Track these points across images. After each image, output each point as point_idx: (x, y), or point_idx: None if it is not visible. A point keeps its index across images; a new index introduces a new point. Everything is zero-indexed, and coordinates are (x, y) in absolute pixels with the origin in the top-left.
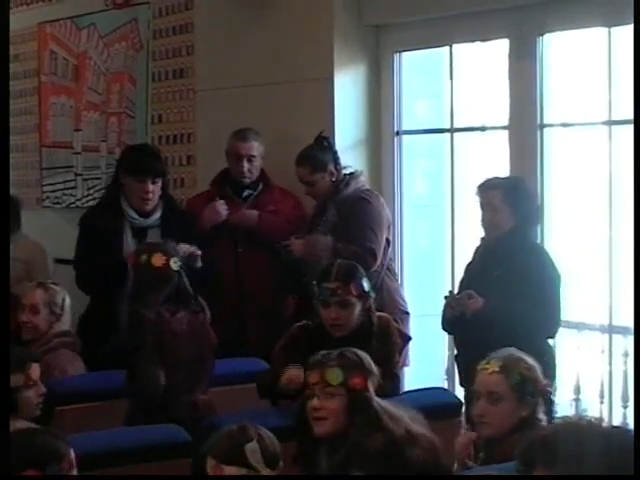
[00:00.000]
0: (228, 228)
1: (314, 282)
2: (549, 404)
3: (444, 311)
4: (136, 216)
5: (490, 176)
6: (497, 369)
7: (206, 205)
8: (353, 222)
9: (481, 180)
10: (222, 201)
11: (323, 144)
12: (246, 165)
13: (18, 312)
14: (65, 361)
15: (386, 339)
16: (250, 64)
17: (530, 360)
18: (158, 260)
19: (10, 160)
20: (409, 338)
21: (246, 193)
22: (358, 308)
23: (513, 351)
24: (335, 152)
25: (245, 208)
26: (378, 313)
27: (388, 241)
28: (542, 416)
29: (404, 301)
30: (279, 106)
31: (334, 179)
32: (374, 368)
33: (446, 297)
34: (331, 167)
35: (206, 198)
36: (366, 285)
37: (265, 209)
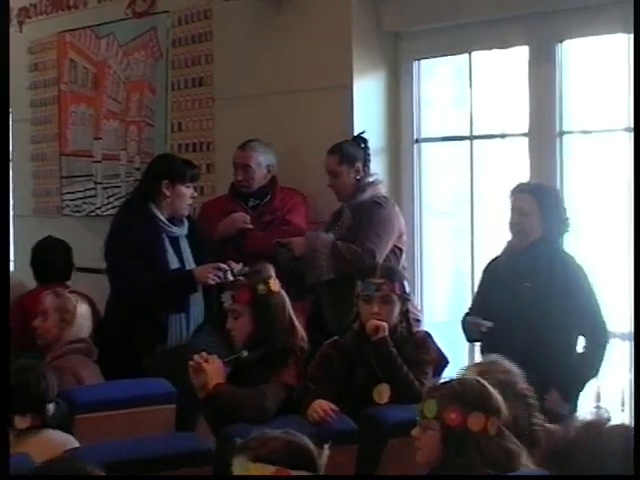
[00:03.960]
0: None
1: (358, 280)
2: (530, 408)
3: (463, 328)
4: (171, 225)
5: (523, 181)
6: (474, 375)
7: (220, 210)
8: (362, 224)
9: (511, 185)
10: (241, 213)
11: (359, 142)
12: (240, 174)
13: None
14: (77, 365)
15: (420, 350)
16: (269, 72)
17: (508, 365)
18: (275, 285)
19: (30, 169)
20: (447, 362)
21: (252, 202)
22: (398, 308)
23: (494, 357)
24: (368, 154)
25: (253, 217)
26: (416, 329)
27: (400, 250)
28: (537, 420)
29: (416, 309)
30: (298, 114)
31: (358, 177)
32: (496, 404)
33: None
34: (359, 165)
35: (220, 203)
36: (407, 287)
37: (271, 217)
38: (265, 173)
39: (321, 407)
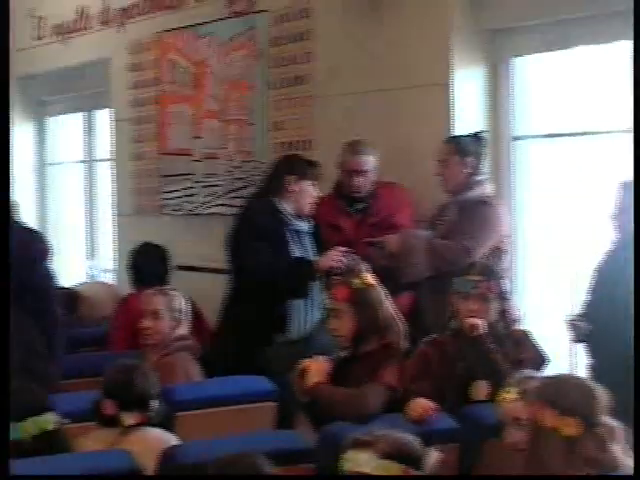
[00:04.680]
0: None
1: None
2: None
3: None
4: (297, 221)
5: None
6: (516, 396)
7: (325, 211)
8: (465, 222)
9: (614, 182)
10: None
11: (476, 139)
12: (359, 180)
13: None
14: (186, 362)
15: (518, 349)
16: (367, 70)
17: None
18: (370, 278)
19: (131, 168)
20: (544, 360)
21: (360, 206)
22: (495, 306)
23: (528, 374)
24: (482, 153)
25: (358, 220)
26: (515, 328)
27: (502, 250)
28: None
29: (515, 309)
30: (396, 112)
31: (468, 171)
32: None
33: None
34: (471, 160)
35: (326, 203)
36: (505, 286)
37: (377, 217)
38: (374, 174)
39: (420, 405)
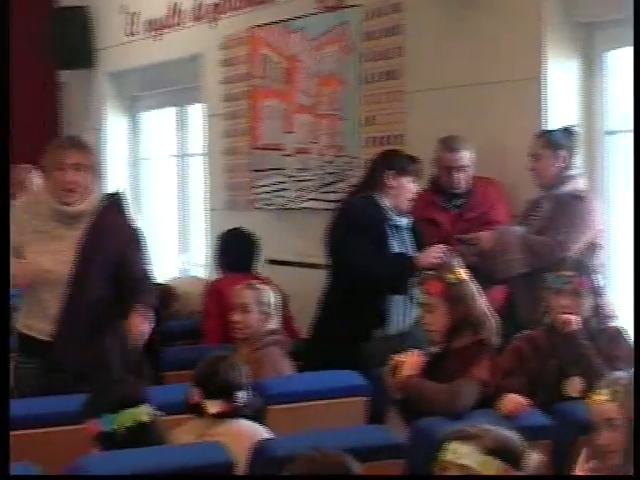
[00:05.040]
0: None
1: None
2: None
3: None
4: (397, 216)
5: None
6: (607, 397)
7: (423, 206)
8: (559, 217)
9: None
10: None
11: (568, 133)
12: (458, 176)
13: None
14: (275, 356)
15: (612, 346)
16: (459, 64)
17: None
18: (463, 273)
19: (223, 163)
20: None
21: (457, 202)
22: (589, 302)
23: (619, 375)
24: (575, 147)
25: (455, 215)
26: (609, 324)
27: (597, 246)
28: None
29: (610, 305)
30: (488, 106)
31: (561, 165)
32: None
33: None
34: (563, 154)
35: (423, 199)
36: (599, 282)
37: (475, 213)
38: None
39: (512, 401)
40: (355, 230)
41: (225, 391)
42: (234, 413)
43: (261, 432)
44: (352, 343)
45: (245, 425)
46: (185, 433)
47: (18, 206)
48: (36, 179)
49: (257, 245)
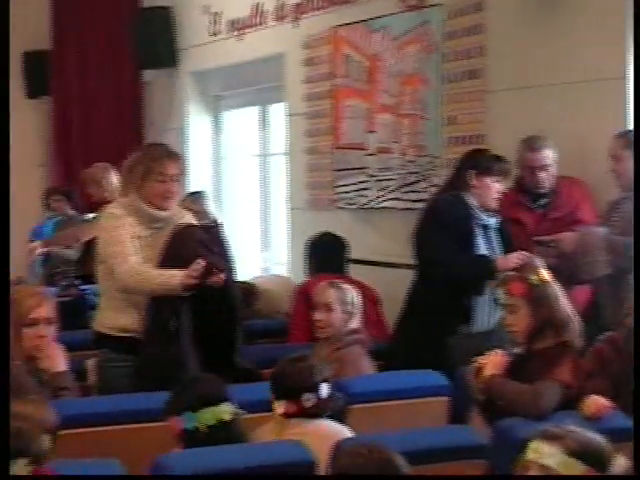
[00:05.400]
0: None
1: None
2: None
3: None
4: (485, 215)
5: None
6: None
7: (508, 206)
8: None
9: None
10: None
11: None
12: (542, 175)
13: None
14: (357, 356)
15: None
16: (541, 64)
17: None
18: (546, 274)
19: (305, 162)
20: None
21: (542, 201)
22: None
23: None
24: None
25: (540, 215)
26: None
27: None
28: None
29: None
30: (571, 106)
31: None
32: None
33: None
34: None
35: (508, 198)
36: None
37: (560, 212)
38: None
39: (595, 403)
40: (441, 228)
41: (291, 393)
42: (305, 413)
43: (343, 432)
44: (437, 340)
45: (326, 425)
46: (266, 432)
47: (120, 212)
48: (114, 178)
49: (347, 248)
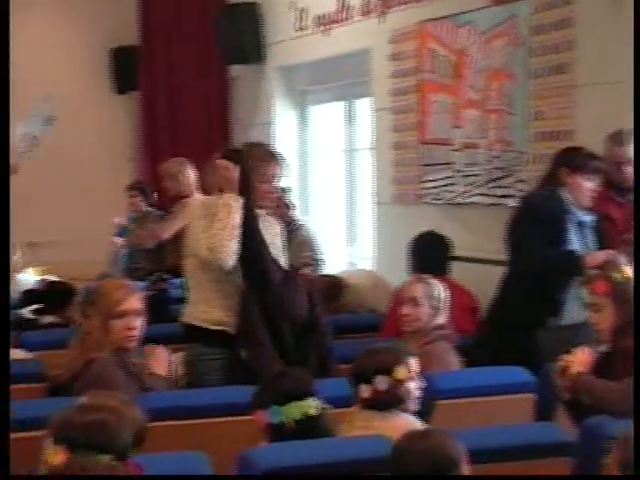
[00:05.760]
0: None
1: None
2: None
3: None
4: (580, 212)
5: None
6: None
7: (596, 199)
8: None
9: None
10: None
11: None
12: (629, 170)
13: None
14: (444, 351)
15: None
16: (630, 58)
17: None
18: (630, 272)
19: (392, 157)
20: None
21: (631, 196)
22: None
23: None
24: None
25: (630, 210)
26: None
27: None
28: None
29: None
30: None
31: None
32: None
33: None
34: None
35: (597, 195)
36: None
37: None
38: None
39: None
40: (534, 223)
41: (364, 376)
42: (382, 402)
43: (419, 426)
44: (526, 332)
45: (408, 420)
46: (351, 427)
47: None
48: (191, 173)
49: (449, 247)
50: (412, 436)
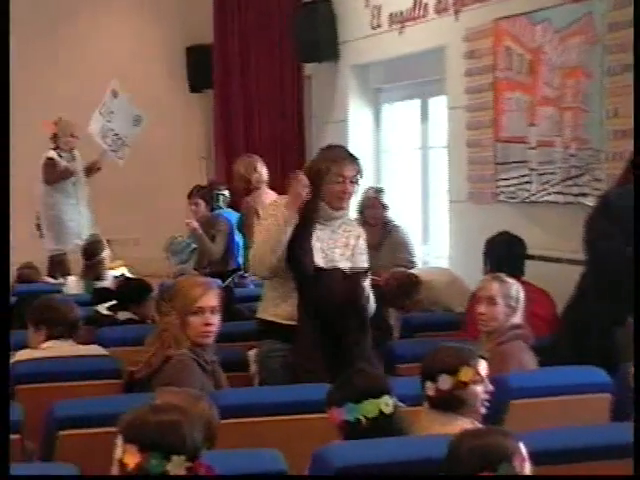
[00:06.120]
0: None
1: None
2: None
3: None
4: None
5: None
6: None
7: None
8: None
9: None
10: None
11: None
12: None
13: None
14: (520, 351)
15: None
16: None
17: None
18: None
19: (466, 155)
20: None
21: None
22: None
23: None
24: None
25: None
26: None
27: None
28: None
29: None
30: None
31: None
32: None
33: None
34: None
35: None
36: None
37: None
38: None
39: None
40: (611, 221)
41: (430, 374)
42: (445, 402)
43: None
44: (603, 331)
45: (466, 427)
46: (420, 426)
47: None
48: (264, 169)
49: (524, 248)
50: (466, 433)
